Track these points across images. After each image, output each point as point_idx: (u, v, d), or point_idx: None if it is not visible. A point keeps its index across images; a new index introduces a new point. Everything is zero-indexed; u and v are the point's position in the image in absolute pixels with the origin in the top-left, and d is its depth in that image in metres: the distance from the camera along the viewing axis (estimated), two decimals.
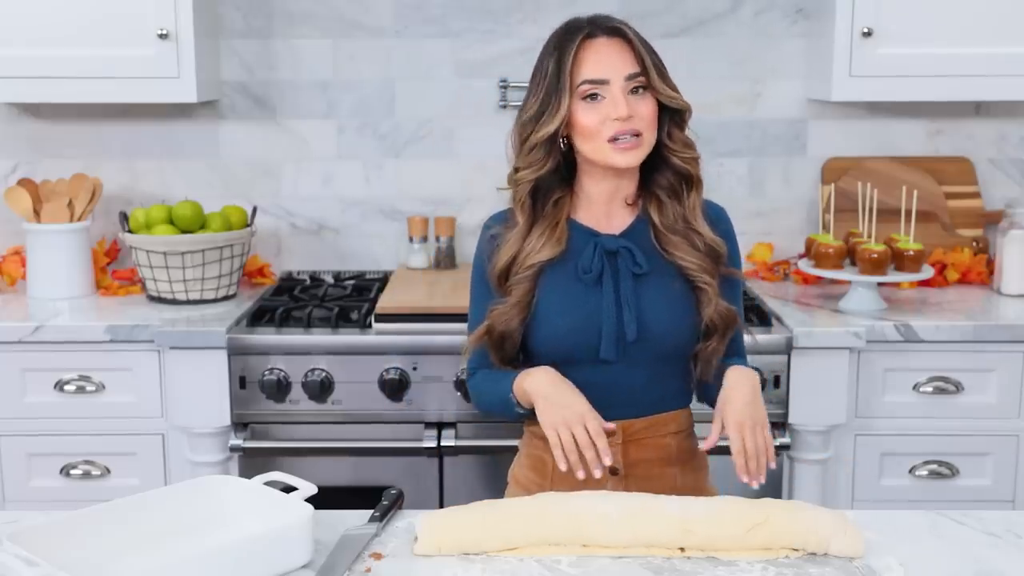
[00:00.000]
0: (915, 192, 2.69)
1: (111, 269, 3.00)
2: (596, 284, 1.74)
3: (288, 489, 1.53)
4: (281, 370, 2.50)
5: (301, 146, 3.06)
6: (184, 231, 2.75)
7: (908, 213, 2.67)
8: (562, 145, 1.74)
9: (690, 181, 1.77)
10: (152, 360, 2.55)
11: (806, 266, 2.73)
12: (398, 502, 1.62)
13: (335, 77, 3.02)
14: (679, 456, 1.81)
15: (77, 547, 1.41)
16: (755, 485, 1.63)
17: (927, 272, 2.67)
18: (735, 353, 1.84)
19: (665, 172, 1.77)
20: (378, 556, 1.47)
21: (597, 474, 1.61)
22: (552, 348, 1.75)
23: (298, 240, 3.09)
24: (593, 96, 1.69)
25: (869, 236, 2.67)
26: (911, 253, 2.64)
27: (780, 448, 2.51)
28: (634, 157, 1.70)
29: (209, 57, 2.89)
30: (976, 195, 3.03)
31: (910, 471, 2.59)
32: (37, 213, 2.82)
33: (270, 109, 3.04)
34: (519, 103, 2.98)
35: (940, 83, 2.72)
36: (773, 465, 1.65)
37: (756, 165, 3.06)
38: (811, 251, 2.72)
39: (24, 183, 2.85)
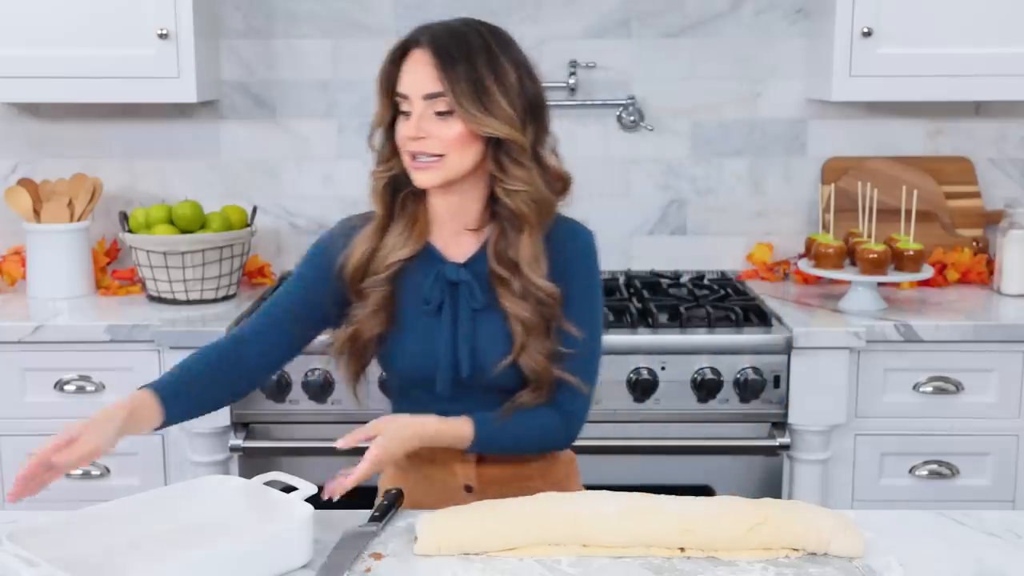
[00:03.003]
0: (915, 192, 2.69)
1: (111, 269, 3.00)
2: (436, 314, 1.68)
3: (288, 489, 1.53)
4: (281, 370, 2.50)
5: (301, 146, 3.05)
6: (184, 231, 2.75)
7: (908, 213, 2.67)
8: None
9: (521, 220, 1.64)
10: (152, 360, 2.55)
11: (806, 266, 2.73)
12: (398, 502, 1.62)
13: (335, 77, 3.02)
14: (539, 469, 1.76)
15: (77, 547, 1.41)
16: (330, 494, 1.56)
17: (927, 272, 2.67)
18: (553, 400, 1.69)
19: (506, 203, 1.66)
20: (378, 556, 1.47)
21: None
22: (398, 371, 1.73)
23: (298, 240, 3.08)
24: (406, 111, 1.62)
25: (869, 236, 2.67)
26: (911, 253, 2.64)
27: (780, 448, 2.52)
28: (427, 178, 1.61)
29: (209, 57, 2.89)
30: (976, 195, 3.03)
31: (910, 471, 2.59)
32: (37, 213, 2.82)
33: (270, 109, 3.04)
34: None
35: (940, 83, 2.72)
36: (335, 492, 1.55)
37: (756, 165, 3.06)
38: (811, 251, 2.72)
39: (24, 183, 2.85)
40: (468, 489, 1.73)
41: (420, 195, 1.70)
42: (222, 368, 1.69)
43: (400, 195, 1.69)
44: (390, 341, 1.70)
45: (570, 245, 1.70)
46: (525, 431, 1.68)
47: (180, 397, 1.63)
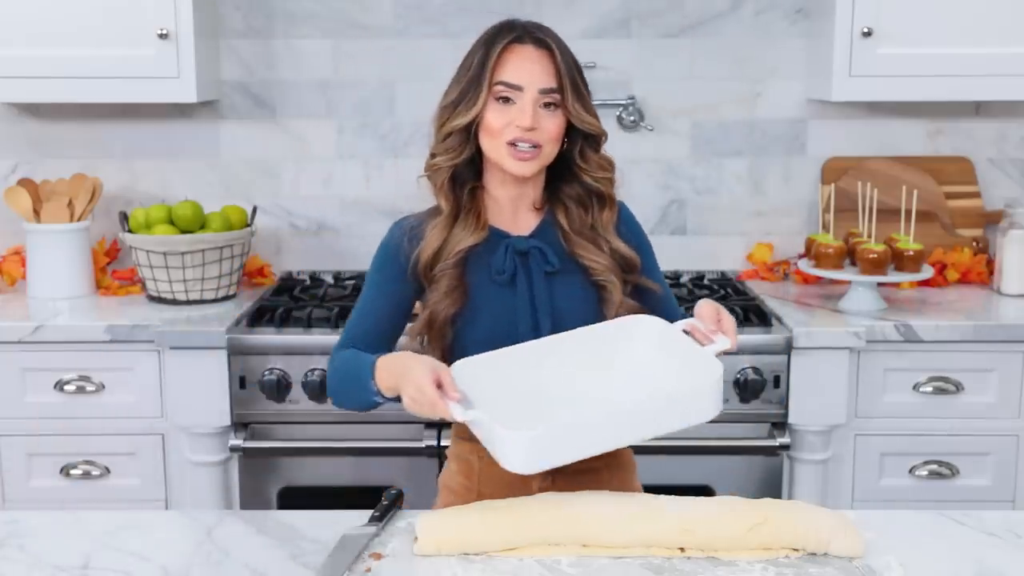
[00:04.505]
0: (915, 192, 2.69)
1: (111, 269, 3.00)
2: (510, 285, 1.75)
3: None
4: (281, 370, 2.50)
5: (301, 146, 3.06)
6: (184, 231, 2.75)
7: (908, 213, 2.67)
8: (475, 139, 1.76)
9: (603, 199, 1.80)
10: (152, 360, 2.55)
11: (806, 266, 2.73)
12: (398, 502, 1.62)
13: (335, 77, 3.02)
14: (605, 457, 1.75)
15: (507, 383, 1.59)
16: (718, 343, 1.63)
17: (927, 272, 2.68)
18: None
19: (574, 185, 1.80)
20: (378, 556, 1.47)
21: (454, 414, 1.52)
22: (477, 345, 1.73)
23: (298, 240, 3.09)
24: (506, 99, 1.71)
25: (869, 236, 2.67)
26: (911, 253, 2.64)
27: (780, 448, 2.52)
28: (527, 167, 1.72)
29: (209, 57, 2.89)
30: (976, 195, 3.03)
31: (910, 471, 2.59)
32: (37, 213, 2.82)
33: (270, 109, 3.04)
34: None
35: (940, 83, 2.72)
36: (727, 344, 1.64)
37: (756, 165, 3.06)
38: (811, 251, 2.72)
39: (24, 183, 2.85)
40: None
41: (475, 188, 1.79)
42: None
43: (465, 188, 1.77)
44: (466, 318, 1.74)
45: (624, 217, 1.84)
46: None
47: None
